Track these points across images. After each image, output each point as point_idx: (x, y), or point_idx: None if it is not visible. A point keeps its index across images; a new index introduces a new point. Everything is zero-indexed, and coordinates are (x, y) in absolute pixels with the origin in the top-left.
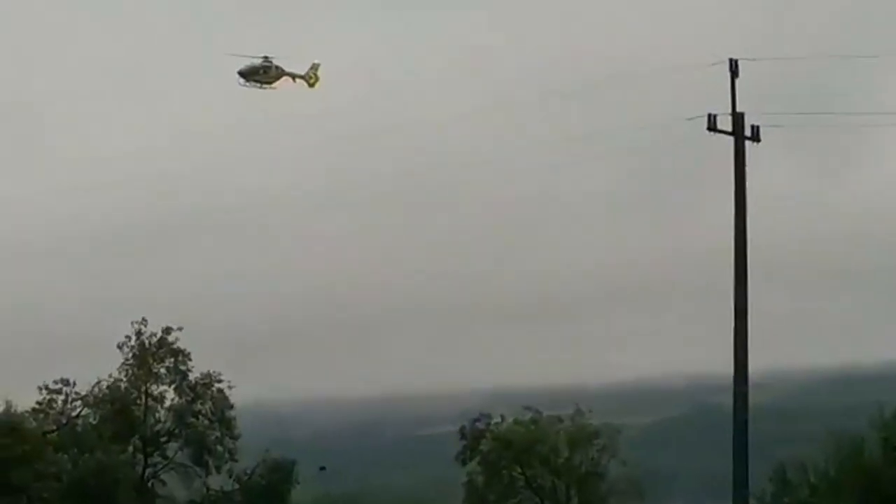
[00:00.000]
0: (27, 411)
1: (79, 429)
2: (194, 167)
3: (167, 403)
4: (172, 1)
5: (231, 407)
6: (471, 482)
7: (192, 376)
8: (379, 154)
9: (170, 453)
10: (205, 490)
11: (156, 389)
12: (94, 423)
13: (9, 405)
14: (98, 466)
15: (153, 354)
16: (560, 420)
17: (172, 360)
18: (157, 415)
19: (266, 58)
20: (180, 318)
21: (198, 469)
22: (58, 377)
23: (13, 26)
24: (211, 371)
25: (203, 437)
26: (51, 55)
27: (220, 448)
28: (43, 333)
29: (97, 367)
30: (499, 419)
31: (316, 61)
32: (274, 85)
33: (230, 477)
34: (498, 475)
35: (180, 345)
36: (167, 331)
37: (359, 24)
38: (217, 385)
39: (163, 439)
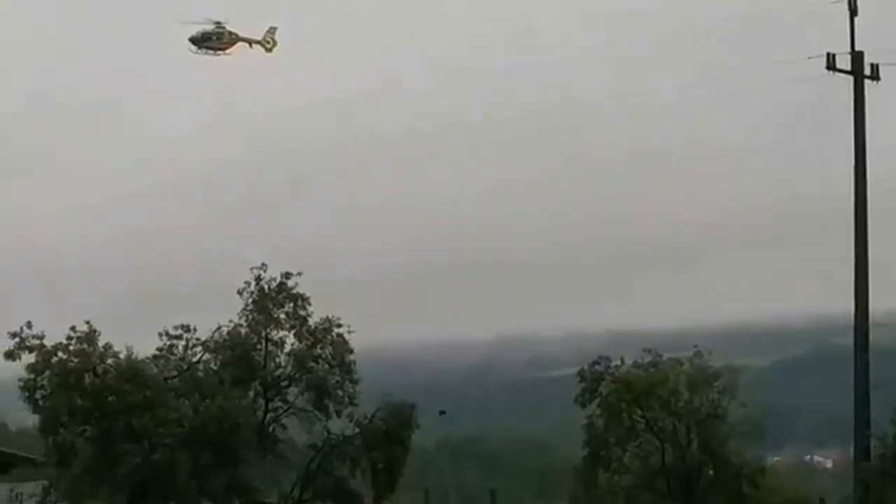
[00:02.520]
0: (148, 357)
1: (199, 374)
2: (316, 107)
3: (287, 349)
4: None
5: (351, 351)
6: (591, 425)
7: (311, 321)
8: (508, 94)
9: (290, 398)
10: (325, 434)
11: (276, 335)
12: (215, 368)
13: (129, 351)
14: (219, 412)
15: (273, 300)
16: (680, 362)
17: (292, 305)
18: (277, 360)
19: (218, 23)
20: (300, 264)
21: (318, 413)
22: (178, 323)
23: None
24: (330, 316)
25: (323, 381)
26: None
27: (340, 392)
28: (163, 279)
29: (217, 313)
30: (618, 362)
31: (273, 25)
32: (228, 51)
33: (350, 421)
34: (618, 418)
35: (299, 290)
36: (286, 276)
37: None
38: (337, 330)
39: (283, 384)
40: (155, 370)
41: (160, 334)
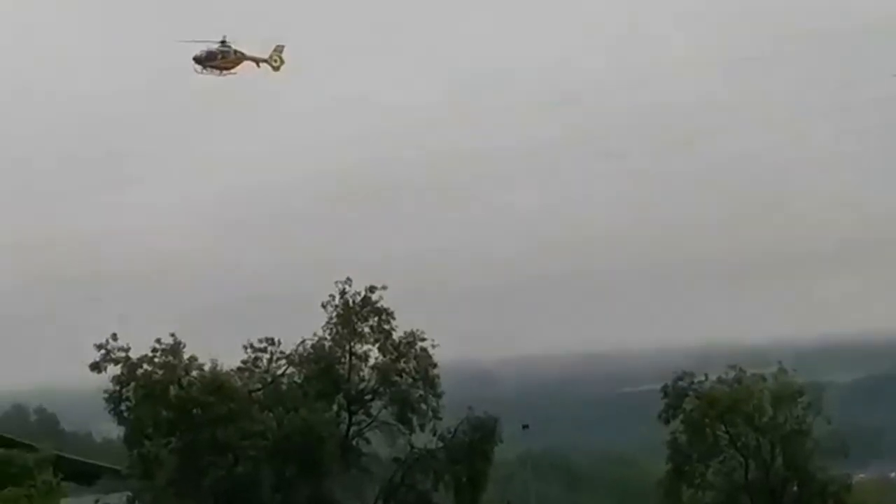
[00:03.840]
0: (233, 370)
1: (284, 387)
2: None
3: (371, 362)
4: None
5: (434, 365)
6: (674, 440)
7: (395, 335)
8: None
9: (374, 412)
10: (408, 448)
11: (360, 348)
12: (299, 381)
13: (214, 364)
14: (303, 425)
15: (357, 313)
16: (764, 378)
17: (376, 318)
18: (361, 373)
19: (223, 41)
20: (384, 277)
21: (402, 427)
22: (263, 336)
23: None
24: (414, 330)
25: (407, 395)
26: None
27: (423, 406)
28: (248, 293)
29: (302, 326)
30: (702, 378)
31: (280, 44)
32: (234, 70)
33: (434, 435)
34: (701, 434)
35: (383, 303)
36: (371, 290)
37: None
38: (420, 344)
39: (367, 398)
40: (239, 383)
41: (245, 347)
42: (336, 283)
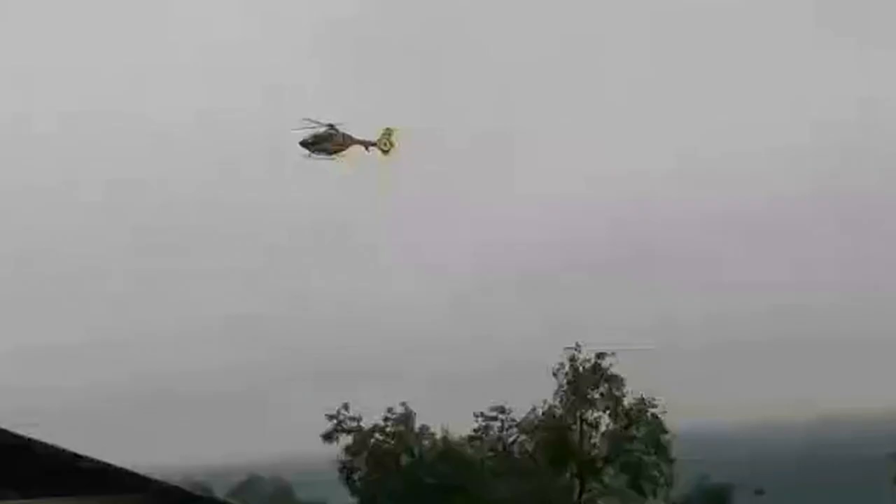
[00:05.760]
0: (464, 438)
1: (515, 455)
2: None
3: (602, 429)
4: None
5: (666, 432)
6: None
7: (626, 401)
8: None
9: (606, 479)
10: None
11: (590, 415)
12: (531, 449)
13: (445, 432)
14: (535, 493)
15: (587, 380)
16: None
17: (606, 385)
18: (592, 441)
19: (331, 125)
20: (614, 343)
21: (634, 495)
22: (494, 404)
23: None
24: (644, 396)
25: (639, 462)
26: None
27: (656, 473)
28: (478, 361)
29: (532, 393)
30: None
31: (389, 126)
32: (344, 153)
33: (666, 502)
34: None
35: (614, 370)
36: (600, 356)
37: None
38: (652, 410)
39: (598, 465)
40: (471, 451)
41: (475, 415)
42: (565, 349)
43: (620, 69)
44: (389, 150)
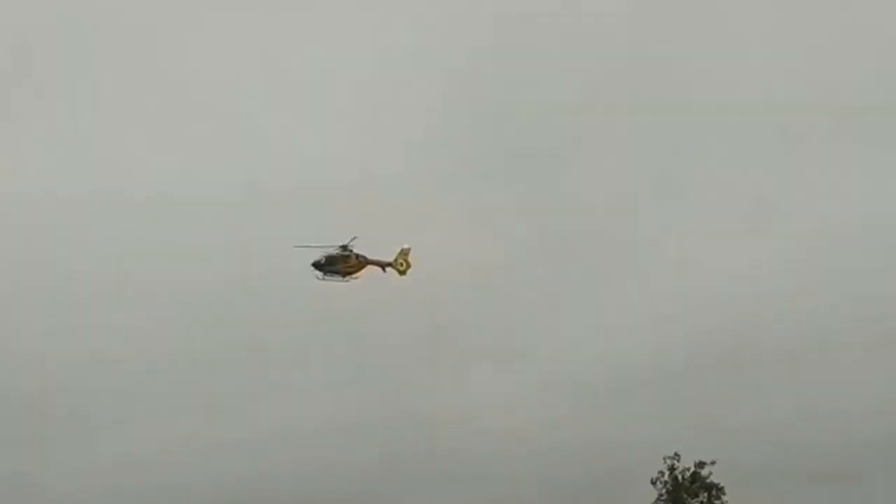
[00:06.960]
0: None
1: None
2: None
3: None
4: None
5: None
6: None
7: None
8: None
9: None
10: None
11: None
12: None
13: None
14: None
15: (687, 489)
16: None
17: (706, 494)
18: None
19: (344, 246)
20: (708, 453)
21: None
22: None
23: None
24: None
25: None
26: None
27: None
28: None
29: (630, 502)
30: None
31: (405, 246)
32: (357, 276)
33: None
34: None
35: (714, 479)
36: (700, 465)
37: None
38: None
39: None
40: None
41: None
42: (665, 458)
43: None
44: (406, 269)
